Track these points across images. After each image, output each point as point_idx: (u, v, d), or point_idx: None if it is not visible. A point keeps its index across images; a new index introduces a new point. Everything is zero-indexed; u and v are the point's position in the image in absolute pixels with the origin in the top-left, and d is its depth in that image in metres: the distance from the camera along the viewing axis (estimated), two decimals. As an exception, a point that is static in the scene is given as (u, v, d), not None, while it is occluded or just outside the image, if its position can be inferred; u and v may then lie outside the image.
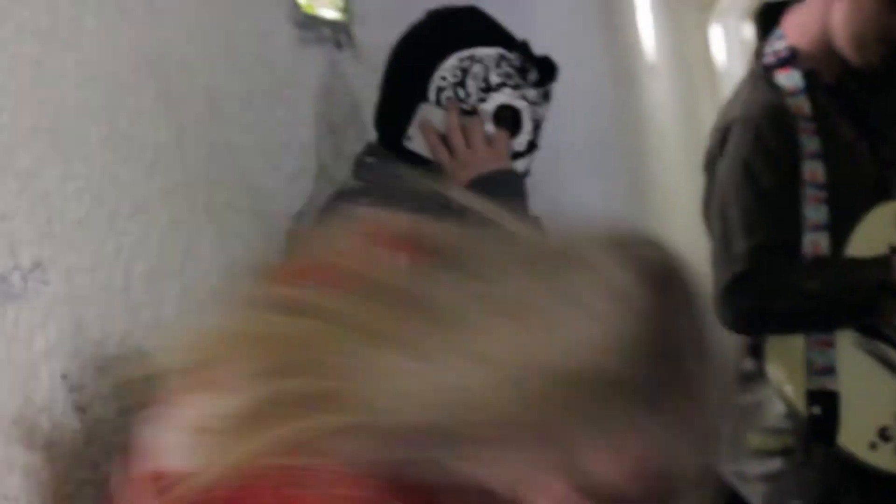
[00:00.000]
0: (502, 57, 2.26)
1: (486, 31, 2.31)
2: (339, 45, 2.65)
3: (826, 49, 2.86)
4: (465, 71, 2.25)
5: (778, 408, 2.82)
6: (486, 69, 2.25)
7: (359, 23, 2.74)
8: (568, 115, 3.15)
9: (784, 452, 2.87)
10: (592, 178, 3.45)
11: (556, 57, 2.31)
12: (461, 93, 2.25)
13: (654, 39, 3.87)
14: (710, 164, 2.90)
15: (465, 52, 2.25)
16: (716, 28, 3.90)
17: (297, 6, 2.53)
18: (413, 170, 2.19)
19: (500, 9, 2.40)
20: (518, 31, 2.32)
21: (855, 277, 2.78)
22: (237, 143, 2.25)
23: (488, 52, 2.26)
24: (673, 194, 3.47)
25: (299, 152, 2.51)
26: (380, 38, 2.41)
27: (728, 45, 3.85)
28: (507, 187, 2.22)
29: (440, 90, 2.25)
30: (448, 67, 2.25)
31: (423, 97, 2.26)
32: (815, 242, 2.73)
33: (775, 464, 2.87)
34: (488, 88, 2.25)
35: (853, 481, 2.79)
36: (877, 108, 2.90)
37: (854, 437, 2.77)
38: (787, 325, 2.81)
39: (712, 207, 2.88)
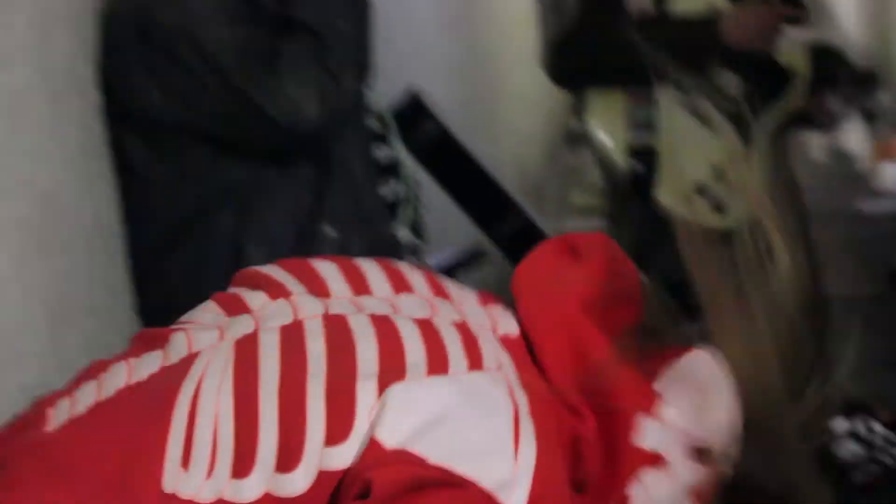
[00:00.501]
0: None
1: None
2: None
3: None
4: None
5: (597, 163, 2.85)
6: None
7: None
8: None
9: (603, 213, 2.91)
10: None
11: None
12: None
13: None
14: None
15: None
16: None
17: None
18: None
19: None
20: None
21: (681, 36, 2.79)
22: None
23: None
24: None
25: None
26: None
27: None
28: None
29: None
30: None
31: None
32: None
33: (595, 223, 2.91)
34: None
35: (666, 239, 2.82)
36: None
37: (671, 192, 2.79)
38: (613, 80, 2.83)
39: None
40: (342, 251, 1.97)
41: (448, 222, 2.58)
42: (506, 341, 1.07)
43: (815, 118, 4.45)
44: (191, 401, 1.02)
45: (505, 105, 3.62)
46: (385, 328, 1.04)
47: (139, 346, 1.10)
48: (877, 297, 3.84)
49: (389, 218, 2.08)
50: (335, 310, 1.06)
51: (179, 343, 1.08)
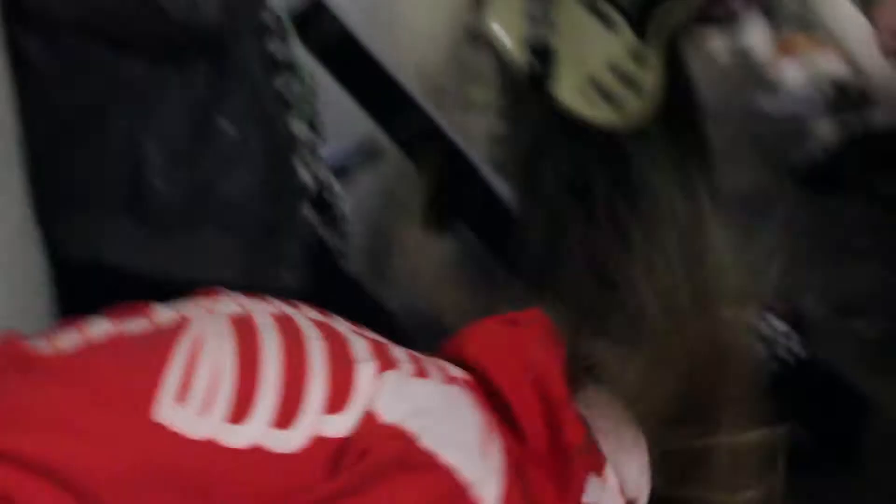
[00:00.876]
0: None
1: None
2: None
3: None
4: None
5: (495, 60, 2.85)
6: None
7: None
8: None
9: (506, 115, 2.92)
10: None
11: None
12: None
13: None
14: None
15: None
16: None
17: None
18: None
19: None
20: None
21: None
22: None
23: None
24: None
25: None
26: None
27: None
28: None
29: None
30: None
31: None
32: None
33: (499, 126, 2.92)
34: None
35: (563, 135, 2.83)
36: None
37: (567, 87, 2.80)
38: None
39: None
40: (241, 146, 1.97)
41: (345, 117, 2.58)
42: (456, 380, 1.13)
43: (715, 15, 4.48)
44: (191, 348, 1.04)
45: (405, 2, 3.61)
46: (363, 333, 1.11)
47: (116, 316, 1.10)
48: (778, 195, 3.91)
49: (286, 114, 2.08)
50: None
51: (166, 311, 1.09)
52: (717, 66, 4.63)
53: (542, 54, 2.79)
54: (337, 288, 2.14)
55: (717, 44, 4.80)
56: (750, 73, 4.81)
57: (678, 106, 2.83)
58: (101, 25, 1.95)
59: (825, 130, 4.38)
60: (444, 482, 1.00)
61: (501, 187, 2.95)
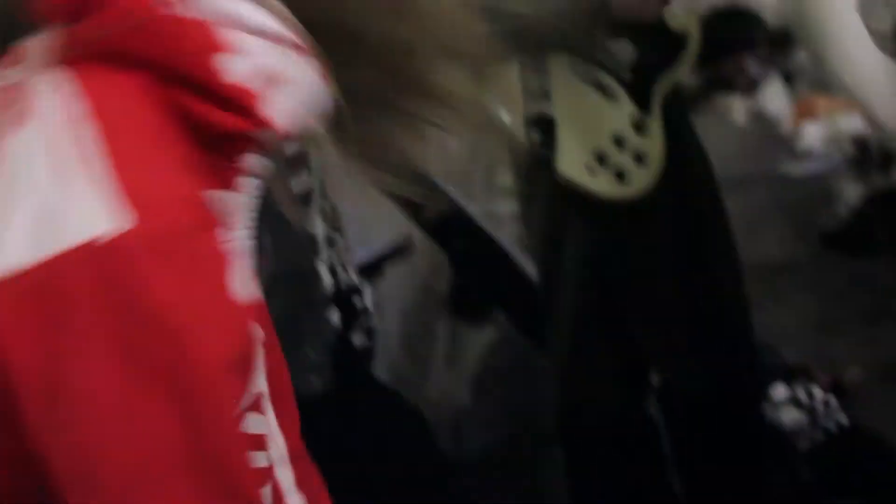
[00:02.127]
0: None
1: None
2: None
3: None
4: None
5: (501, 140, 2.84)
6: None
7: None
8: None
9: (518, 194, 2.90)
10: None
11: None
12: None
13: None
14: None
15: None
16: None
17: None
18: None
19: None
20: None
21: (570, 5, 2.79)
22: None
23: None
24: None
25: None
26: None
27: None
28: None
29: None
30: None
31: None
32: None
33: (514, 206, 2.90)
34: None
35: (576, 212, 2.80)
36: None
37: (571, 162, 2.77)
38: (510, 53, 2.82)
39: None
40: (258, 250, 1.95)
41: (374, 212, 2.57)
42: None
43: (734, 82, 4.49)
44: None
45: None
46: None
47: None
48: (808, 260, 3.88)
49: (305, 213, 2.06)
50: None
51: None
52: (739, 133, 4.62)
53: (544, 129, 2.77)
54: (365, 390, 2.12)
55: (737, 110, 4.80)
56: (772, 138, 4.79)
57: (685, 174, 2.80)
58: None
59: (851, 191, 4.36)
60: None
61: (532, 270, 2.94)
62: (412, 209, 2.84)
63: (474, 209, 2.88)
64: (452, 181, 2.76)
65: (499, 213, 2.95)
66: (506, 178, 2.93)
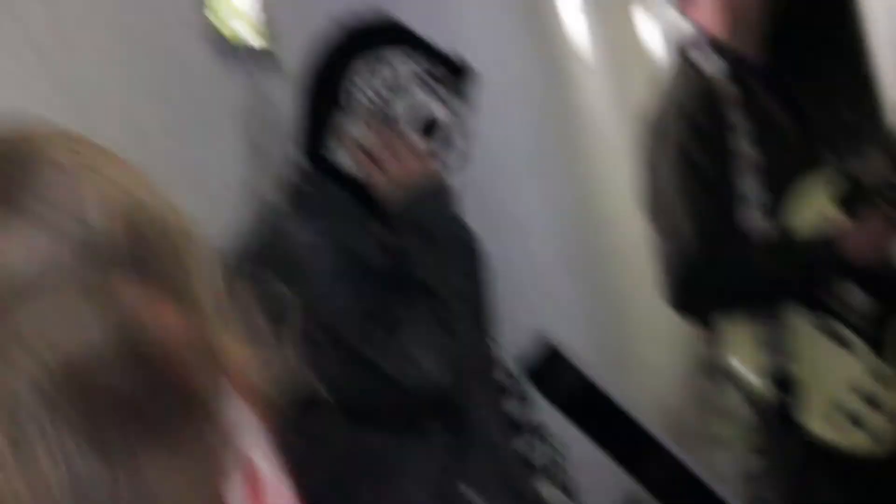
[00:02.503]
0: (409, 56, 2.24)
1: (395, 33, 2.29)
2: (259, 67, 2.66)
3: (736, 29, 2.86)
4: (373, 73, 2.23)
5: (738, 394, 2.78)
6: (395, 71, 2.23)
7: (280, 43, 2.75)
8: (502, 119, 3.16)
9: (758, 450, 2.83)
10: (534, 181, 3.44)
11: (485, 63, 2.30)
12: (373, 97, 2.23)
13: (583, 33, 3.85)
14: (648, 158, 2.89)
15: (372, 55, 2.23)
16: (642, 14, 3.87)
17: (212, 27, 2.54)
18: (343, 192, 2.18)
19: (424, 16, 2.41)
20: (443, 37, 2.32)
21: (803, 256, 2.77)
22: (157, 168, 2.26)
23: (396, 53, 2.24)
24: (617, 189, 3.45)
25: (221, 175, 2.52)
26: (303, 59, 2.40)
27: (658, 30, 3.81)
28: (440, 201, 2.19)
29: (352, 95, 2.22)
30: (357, 70, 2.22)
31: (336, 104, 2.23)
32: (753, 218, 2.73)
33: (751, 462, 2.82)
34: (398, 88, 2.23)
35: (824, 470, 2.73)
36: (804, 85, 2.88)
37: (815, 416, 2.72)
38: (744, 307, 2.79)
39: (655, 200, 2.86)
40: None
41: (600, 476, 2.51)
42: None
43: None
44: None
45: (637, 340, 3.56)
46: None
47: None
48: None
49: (530, 475, 2.03)
50: None
51: None
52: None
53: (784, 384, 2.72)
54: None
55: None
56: None
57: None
58: (334, 401, 1.96)
59: None
60: None
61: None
62: (632, 463, 2.77)
63: (692, 460, 2.79)
64: (669, 431, 2.69)
65: (717, 465, 2.85)
66: (725, 429, 2.85)
